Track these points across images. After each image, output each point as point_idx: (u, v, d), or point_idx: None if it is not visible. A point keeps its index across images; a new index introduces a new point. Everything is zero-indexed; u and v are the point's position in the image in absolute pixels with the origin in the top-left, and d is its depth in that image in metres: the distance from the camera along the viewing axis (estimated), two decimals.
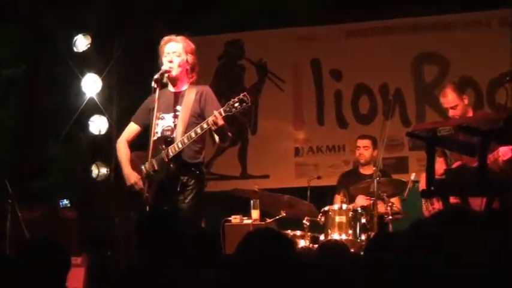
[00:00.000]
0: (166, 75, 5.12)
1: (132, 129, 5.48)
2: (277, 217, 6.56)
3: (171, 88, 5.28)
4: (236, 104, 4.82)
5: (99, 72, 7.90)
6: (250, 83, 8.81)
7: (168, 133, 5.14)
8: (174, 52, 5.17)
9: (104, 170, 8.01)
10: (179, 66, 5.14)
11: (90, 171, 7.91)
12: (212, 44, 8.65)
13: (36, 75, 8.05)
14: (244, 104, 4.83)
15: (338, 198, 6.96)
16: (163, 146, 5.05)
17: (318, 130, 8.58)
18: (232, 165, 8.66)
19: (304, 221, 6.47)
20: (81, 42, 7.90)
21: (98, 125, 7.95)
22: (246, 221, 6.45)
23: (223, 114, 4.78)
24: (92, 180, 7.89)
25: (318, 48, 8.63)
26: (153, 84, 5.01)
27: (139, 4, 7.86)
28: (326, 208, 6.40)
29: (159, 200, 5.00)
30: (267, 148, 8.57)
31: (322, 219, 6.35)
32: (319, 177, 7.27)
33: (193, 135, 4.93)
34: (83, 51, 7.86)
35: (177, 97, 5.21)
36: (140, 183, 5.09)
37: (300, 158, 8.57)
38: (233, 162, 8.66)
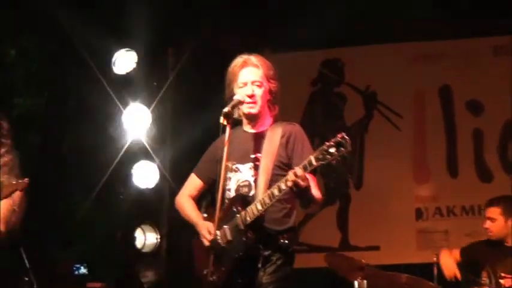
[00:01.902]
0: (239, 108, 4.87)
1: (194, 184, 5.27)
2: None
3: (247, 128, 5.03)
4: (331, 150, 4.45)
5: (147, 102, 7.77)
6: (354, 118, 8.51)
7: (245, 190, 4.91)
8: (255, 81, 4.89)
9: (152, 238, 7.77)
10: (262, 100, 4.90)
11: (134, 239, 7.71)
12: (302, 64, 8.41)
13: (61, 107, 7.87)
14: (343, 149, 4.43)
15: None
16: (239, 208, 4.83)
17: (449, 184, 8.20)
18: (329, 233, 8.38)
19: None
20: (124, 61, 7.72)
21: (145, 174, 7.77)
22: None
23: (307, 169, 4.48)
24: (136, 252, 7.72)
25: (448, 71, 8.27)
26: (222, 120, 4.65)
27: (203, 10, 7.71)
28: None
29: (231, 283, 4.79)
30: (377, 209, 8.25)
31: None
32: (450, 250, 6.89)
33: (276, 192, 4.65)
34: (126, 73, 7.70)
35: (257, 140, 4.96)
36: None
37: (424, 223, 8.22)
38: (329, 229, 8.40)
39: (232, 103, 4.78)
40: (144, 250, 7.70)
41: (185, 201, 5.26)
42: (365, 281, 6.16)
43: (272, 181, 4.83)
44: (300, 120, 7.59)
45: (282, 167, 4.89)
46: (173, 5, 7.65)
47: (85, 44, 7.45)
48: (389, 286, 6.44)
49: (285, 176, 4.72)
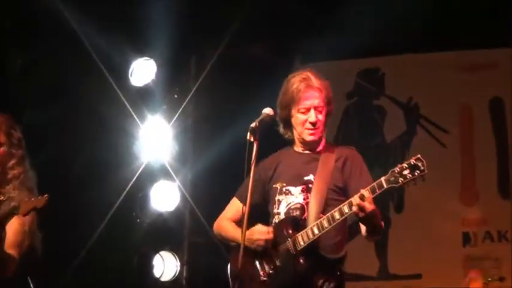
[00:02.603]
0: (294, 129, 4.89)
1: (236, 208, 5.17)
2: None
3: (298, 149, 5.00)
4: (405, 172, 4.41)
5: (167, 116, 7.81)
6: (394, 134, 8.43)
7: (297, 213, 4.83)
8: (317, 107, 4.85)
9: (171, 265, 7.69)
10: (323, 125, 4.89)
11: (152, 267, 7.65)
12: (336, 74, 8.04)
13: (73, 121, 7.66)
14: (418, 172, 4.37)
15: None
16: (291, 232, 4.75)
17: (500, 206, 8.05)
18: (366, 260, 8.27)
19: None
20: (142, 72, 7.76)
21: (164, 196, 7.74)
22: None
23: (375, 192, 4.43)
24: (154, 281, 7.64)
25: (500, 82, 8.14)
26: (249, 136, 4.54)
27: (229, 16, 7.62)
28: None
29: None
30: (420, 234, 8.14)
31: None
32: (502, 279, 7.00)
33: (337, 216, 4.60)
34: (144, 85, 7.74)
35: (310, 162, 4.93)
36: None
37: (472, 249, 8.10)
38: (367, 256, 8.24)
39: (260, 117, 4.65)
40: (162, 279, 7.65)
41: (226, 223, 5.19)
42: None
43: (326, 205, 4.80)
44: (333, 138, 7.51)
45: (337, 190, 4.84)
46: (196, 10, 7.61)
47: (100, 53, 7.45)
48: None
49: (339, 201, 4.73)
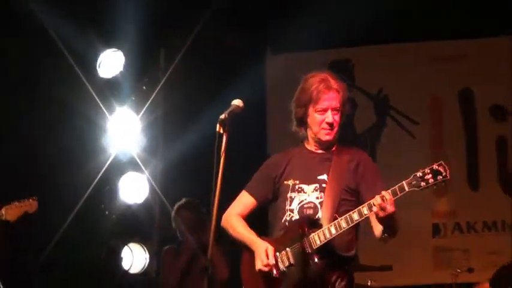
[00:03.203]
0: (310, 128, 4.91)
1: (246, 203, 5.19)
2: None
3: (311, 147, 5.04)
4: (427, 177, 4.50)
5: (135, 108, 7.73)
6: (364, 125, 8.45)
7: (310, 212, 4.88)
8: (334, 108, 4.91)
9: (140, 257, 7.61)
10: (338, 126, 4.93)
11: (120, 260, 7.55)
12: (307, 65, 7.46)
13: (40, 113, 7.48)
14: (441, 177, 4.47)
15: None
16: (306, 231, 4.77)
17: (469, 197, 8.19)
18: None
19: None
20: (110, 63, 7.67)
21: (133, 188, 7.67)
22: None
23: (396, 194, 4.51)
24: (123, 273, 7.55)
25: (469, 73, 8.27)
26: (218, 128, 4.51)
27: (198, 7, 7.60)
28: None
29: None
30: None
31: None
32: (471, 270, 7.05)
33: (356, 217, 4.66)
34: (112, 77, 7.64)
35: (323, 162, 4.99)
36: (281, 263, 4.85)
37: (442, 240, 8.26)
38: None
39: (229, 109, 4.60)
40: (131, 271, 7.58)
41: (236, 220, 5.16)
42: None
43: (340, 205, 4.84)
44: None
45: (349, 191, 4.88)
46: (165, 0, 7.52)
47: (68, 44, 7.37)
48: None
49: (350, 201, 4.81)
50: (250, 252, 5.07)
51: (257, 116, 7.79)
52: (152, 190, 7.66)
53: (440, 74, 8.23)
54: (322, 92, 4.91)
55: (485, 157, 8.15)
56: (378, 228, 4.79)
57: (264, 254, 4.89)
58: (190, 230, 6.80)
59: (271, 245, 4.95)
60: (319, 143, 5.01)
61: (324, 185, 4.93)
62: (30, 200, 4.62)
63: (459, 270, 6.91)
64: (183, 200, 6.93)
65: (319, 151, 5.04)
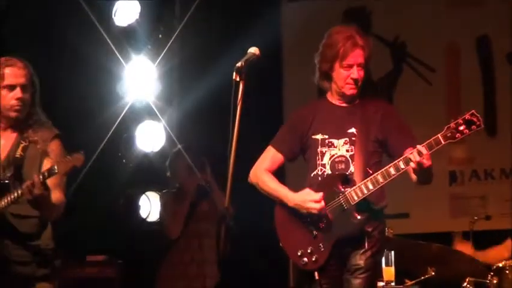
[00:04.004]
0: (334, 81, 5.01)
1: (273, 158, 5.24)
2: (423, 277, 6.26)
3: (335, 101, 5.13)
4: (461, 128, 4.59)
5: (152, 56, 7.74)
6: (381, 72, 8.26)
7: (342, 167, 4.99)
8: (360, 64, 4.99)
9: (158, 205, 7.64)
10: (362, 81, 5.04)
11: (138, 207, 7.70)
12: (322, 13, 8.10)
13: (56, 62, 7.53)
14: (475, 127, 4.58)
15: None
16: (341, 187, 4.89)
17: (487, 144, 8.00)
18: None
19: (464, 284, 6.18)
20: (125, 12, 7.69)
21: (150, 136, 7.79)
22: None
23: (432, 148, 4.61)
24: (141, 221, 7.70)
25: (487, 20, 8.07)
26: (235, 76, 4.44)
27: None
28: (501, 264, 6.18)
29: (329, 264, 4.89)
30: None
31: (494, 281, 6.12)
32: (488, 217, 6.95)
33: (393, 172, 4.75)
34: (128, 25, 7.69)
35: (350, 115, 5.07)
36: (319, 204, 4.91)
37: (458, 188, 8.19)
38: None
39: (246, 57, 4.53)
40: (149, 219, 7.67)
41: (266, 175, 5.22)
42: (392, 252, 6.05)
43: (370, 157, 4.93)
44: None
45: (378, 143, 4.97)
46: None
47: None
48: (419, 257, 6.32)
49: (379, 153, 4.95)
50: (284, 207, 5.11)
51: (273, 66, 7.75)
52: (169, 138, 7.70)
53: (457, 21, 8.10)
54: (350, 49, 4.97)
55: (502, 104, 7.99)
56: (413, 177, 4.86)
57: (310, 201, 4.89)
58: (188, 175, 6.90)
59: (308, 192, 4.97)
60: (343, 96, 5.07)
61: (353, 138, 4.98)
62: (79, 154, 4.75)
63: (476, 218, 6.86)
64: (178, 147, 7.02)
65: (344, 104, 5.10)
